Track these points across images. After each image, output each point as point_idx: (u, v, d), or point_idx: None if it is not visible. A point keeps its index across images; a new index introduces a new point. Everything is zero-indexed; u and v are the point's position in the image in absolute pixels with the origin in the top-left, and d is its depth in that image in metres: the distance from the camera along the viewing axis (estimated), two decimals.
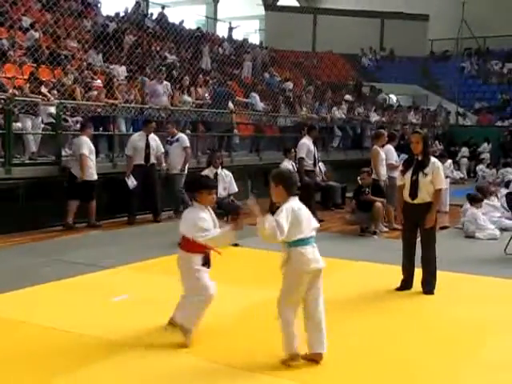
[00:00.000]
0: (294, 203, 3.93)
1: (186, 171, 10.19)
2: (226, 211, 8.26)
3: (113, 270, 6.64)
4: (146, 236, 8.82)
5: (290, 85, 18.80)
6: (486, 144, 21.24)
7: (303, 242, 3.86)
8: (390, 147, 9.97)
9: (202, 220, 4.23)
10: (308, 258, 3.86)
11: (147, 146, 9.77)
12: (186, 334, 4.29)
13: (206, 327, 4.47)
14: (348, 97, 20.05)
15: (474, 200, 9.45)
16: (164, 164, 10.12)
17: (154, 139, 9.95)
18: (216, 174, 8.51)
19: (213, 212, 4.43)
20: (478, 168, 19.31)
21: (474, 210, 9.25)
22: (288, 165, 11.63)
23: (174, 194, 10.22)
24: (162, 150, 10.07)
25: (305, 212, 3.93)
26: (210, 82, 14.49)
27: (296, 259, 3.85)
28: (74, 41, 14.16)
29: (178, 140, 10.34)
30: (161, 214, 10.04)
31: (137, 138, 9.85)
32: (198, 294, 4.26)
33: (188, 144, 10.41)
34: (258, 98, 15.79)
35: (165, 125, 11.09)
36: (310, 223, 3.93)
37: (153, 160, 9.87)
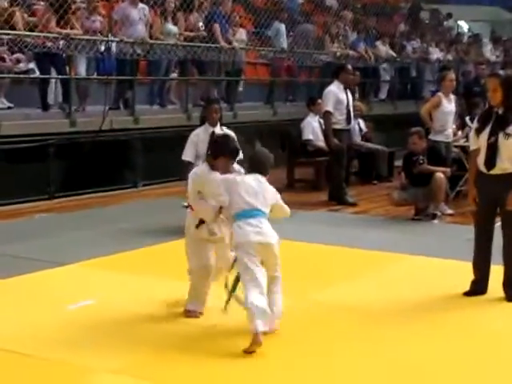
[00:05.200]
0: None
1: None
2: None
3: (70, 266, 6.68)
4: (117, 219, 8.90)
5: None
6: None
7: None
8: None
9: None
10: None
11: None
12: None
13: None
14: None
15: None
16: None
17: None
18: (213, 133, 8.44)
19: None
20: None
21: None
22: (313, 121, 11.64)
23: None
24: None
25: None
26: (205, 4, 14.38)
27: None
28: None
29: None
30: None
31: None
32: None
33: None
34: (283, 29, 15.59)
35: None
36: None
37: None
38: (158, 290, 5.93)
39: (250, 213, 4.88)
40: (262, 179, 5.02)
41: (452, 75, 10.20)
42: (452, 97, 10.06)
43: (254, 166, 5.08)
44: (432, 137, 9.59)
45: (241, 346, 4.62)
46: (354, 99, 11.72)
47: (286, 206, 5.19)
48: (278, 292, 5.01)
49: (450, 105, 9.94)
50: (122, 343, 4.81)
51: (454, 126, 10.37)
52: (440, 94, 10.00)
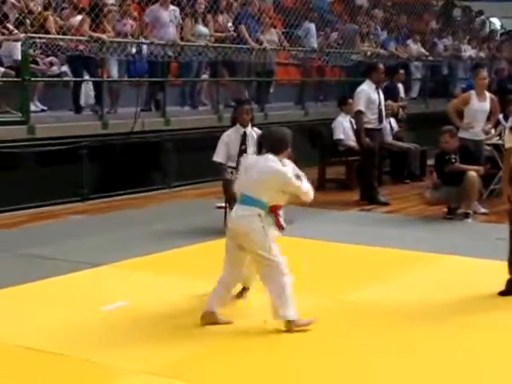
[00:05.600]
0: None
1: None
2: None
3: (104, 267, 6.74)
4: (150, 221, 8.95)
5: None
6: None
7: None
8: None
9: None
10: None
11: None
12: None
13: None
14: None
15: None
16: None
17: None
18: (244, 134, 8.48)
19: None
20: None
21: None
22: (344, 121, 11.62)
23: None
24: None
25: None
26: (235, 4, 14.41)
27: None
28: None
29: None
30: None
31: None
32: None
33: None
34: (313, 29, 15.57)
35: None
36: None
37: None
38: (191, 291, 5.95)
39: (240, 198, 5.10)
40: (272, 159, 4.98)
41: (484, 73, 10.11)
42: (487, 95, 9.98)
43: (267, 144, 5.09)
44: (460, 134, 9.54)
45: (272, 344, 4.63)
46: (399, 97, 11.73)
47: (303, 188, 5.02)
48: (271, 291, 4.98)
49: (481, 103, 9.86)
50: (155, 344, 4.84)
51: (490, 125, 10.26)
52: (472, 91, 9.94)
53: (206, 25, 13.03)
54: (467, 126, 9.77)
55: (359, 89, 10.42)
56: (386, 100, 11.00)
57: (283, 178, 4.97)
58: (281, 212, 5.14)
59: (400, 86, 13.72)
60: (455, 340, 4.99)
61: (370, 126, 10.29)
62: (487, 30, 23.17)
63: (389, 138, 12.22)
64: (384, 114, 10.64)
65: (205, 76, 13.32)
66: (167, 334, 5.04)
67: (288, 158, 5.13)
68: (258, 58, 13.45)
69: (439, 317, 5.46)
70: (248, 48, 13.20)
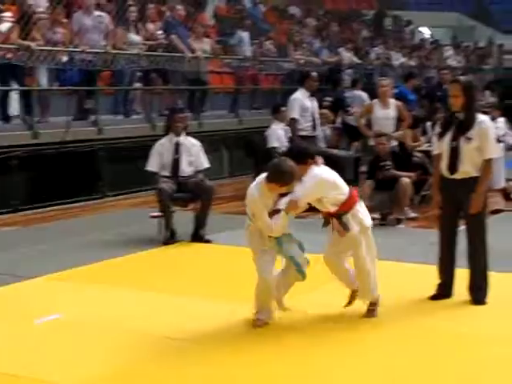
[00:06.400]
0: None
1: None
2: (194, 194, 8.27)
3: (37, 279, 6.63)
4: (84, 231, 8.85)
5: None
6: None
7: None
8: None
9: None
10: None
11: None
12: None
13: None
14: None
15: None
16: None
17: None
18: (177, 143, 8.47)
19: None
20: None
21: None
22: (278, 129, 11.67)
23: None
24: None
25: None
26: (167, 14, 14.36)
27: None
28: None
29: None
30: None
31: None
32: None
33: None
34: (247, 38, 15.64)
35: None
36: None
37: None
38: (126, 302, 5.92)
39: None
40: (256, 184, 5.31)
41: (384, 82, 10.60)
42: (391, 102, 10.32)
43: (268, 171, 5.30)
44: (370, 142, 9.89)
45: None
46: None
47: (263, 223, 5.20)
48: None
49: (384, 111, 10.26)
50: (89, 357, 4.78)
51: (400, 132, 10.50)
52: (376, 100, 10.38)
53: (137, 33, 12.96)
54: (371, 133, 10.17)
55: (293, 97, 10.54)
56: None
57: (252, 207, 5.24)
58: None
59: (363, 94, 13.90)
60: (389, 342, 5.06)
61: (304, 133, 10.41)
62: (417, 39, 23.67)
63: (323, 146, 12.34)
64: (318, 121, 10.78)
65: (138, 84, 13.24)
66: (102, 347, 4.98)
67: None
68: (190, 67, 13.44)
69: (373, 320, 5.51)
70: (180, 56, 13.17)
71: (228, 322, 5.44)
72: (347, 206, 5.41)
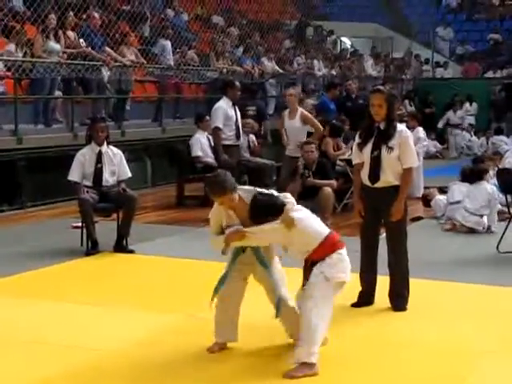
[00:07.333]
0: None
1: None
2: (117, 204, 8.19)
3: None
4: (3, 243, 8.59)
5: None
6: (468, 105, 21.94)
7: None
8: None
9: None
10: None
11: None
12: None
13: None
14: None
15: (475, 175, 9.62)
16: None
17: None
18: (100, 153, 8.37)
19: None
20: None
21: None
22: (201, 138, 11.68)
23: None
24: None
25: None
26: (84, 22, 14.13)
27: None
28: None
29: None
30: None
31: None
32: None
33: None
34: (169, 46, 15.57)
35: None
36: None
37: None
38: (44, 315, 5.80)
39: None
40: None
41: (289, 91, 10.92)
42: (298, 112, 10.40)
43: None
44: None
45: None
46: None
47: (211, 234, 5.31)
48: None
49: (290, 121, 10.45)
50: (5, 371, 4.66)
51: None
52: (286, 110, 10.57)
53: (57, 41, 12.74)
54: (287, 143, 10.40)
55: (216, 106, 10.55)
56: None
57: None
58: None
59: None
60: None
61: (227, 142, 10.44)
62: (338, 48, 24.02)
63: (246, 154, 12.39)
64: (241, 130, 10.82)
65: (58, 93, 13.02)
66: (19, 360, 4.87)
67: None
68: (113, 75, 13.30)
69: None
70: (101, 65, 13.03)
71: (149, 332, 5.40)
72: (319, 253, 4.82)
